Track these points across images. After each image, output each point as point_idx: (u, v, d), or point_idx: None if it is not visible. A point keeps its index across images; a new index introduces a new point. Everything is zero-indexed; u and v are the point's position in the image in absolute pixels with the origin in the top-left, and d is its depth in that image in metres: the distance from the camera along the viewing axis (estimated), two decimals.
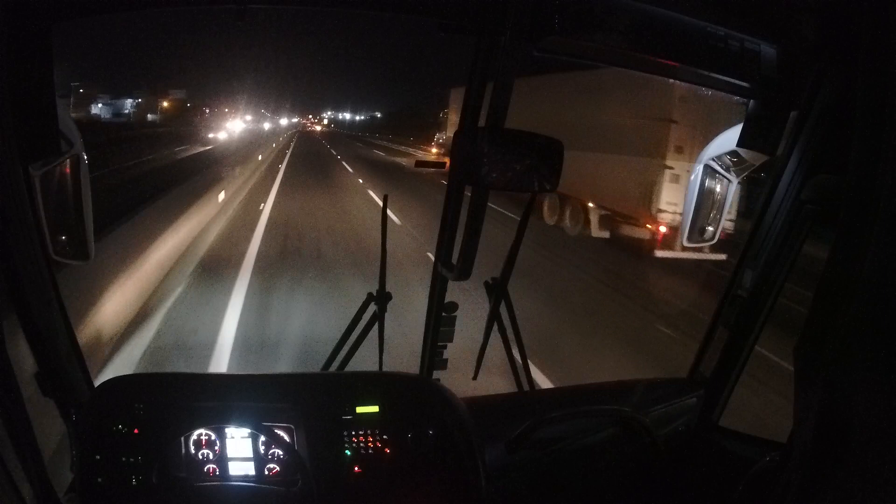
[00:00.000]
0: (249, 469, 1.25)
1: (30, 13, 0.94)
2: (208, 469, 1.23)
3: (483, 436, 1.32)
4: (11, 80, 0.93)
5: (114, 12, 1.14)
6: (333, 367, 1.64)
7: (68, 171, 1.16)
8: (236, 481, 1.22)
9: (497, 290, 1.63)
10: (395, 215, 10.44)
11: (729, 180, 1.49)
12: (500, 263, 1.54)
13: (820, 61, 1.21)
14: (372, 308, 1.63)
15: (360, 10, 1.21)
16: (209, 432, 1.24)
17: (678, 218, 8.64)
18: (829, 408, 0.51)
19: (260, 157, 21.13)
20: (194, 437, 1.23)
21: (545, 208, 12.13)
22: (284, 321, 5.32)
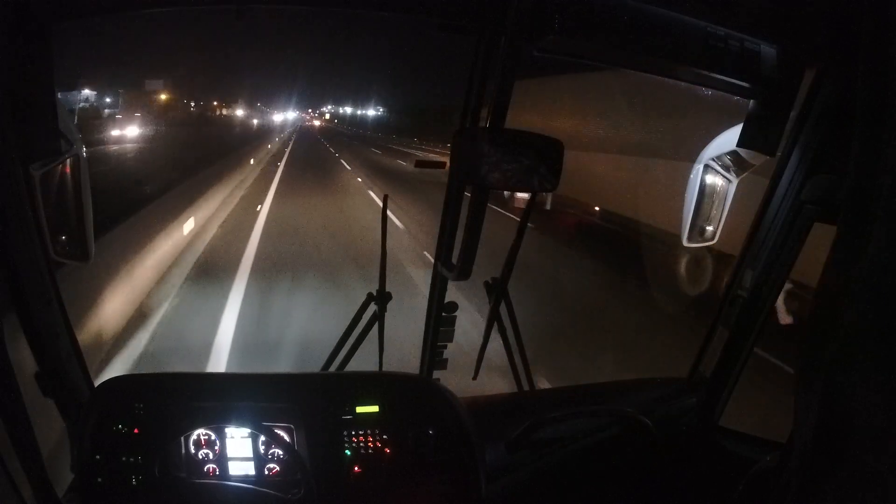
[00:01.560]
0: (249, 469, 1.25)
1: (30, 13, 0.94)
2: (208, 469, 1.23)
3: (483, 436, 1.32)
4: (11, 80, 0.93)
5: (114, 12, 1.14)
6: (333, 367, 1.64)
7: (68, 171, 1.16)
8: (236, 481, 1.22)
9: (497, 290, 1.63)
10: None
11: (729, 180, 1.49)
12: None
13: (820, 61, 1.21)
14: (372, 308, 1.63)
15: (360, 11, 1.22)
16: (209, 432, 1.24)
17: None
18: (829, 408, 0.51)
19: None
20: (194, 436, 1.23)
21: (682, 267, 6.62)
22: None
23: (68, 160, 1.15)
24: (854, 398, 0.49)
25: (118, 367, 4.25)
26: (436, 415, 1.33)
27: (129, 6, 1.16)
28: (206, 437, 1.24)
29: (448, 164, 1.34)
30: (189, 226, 7.74)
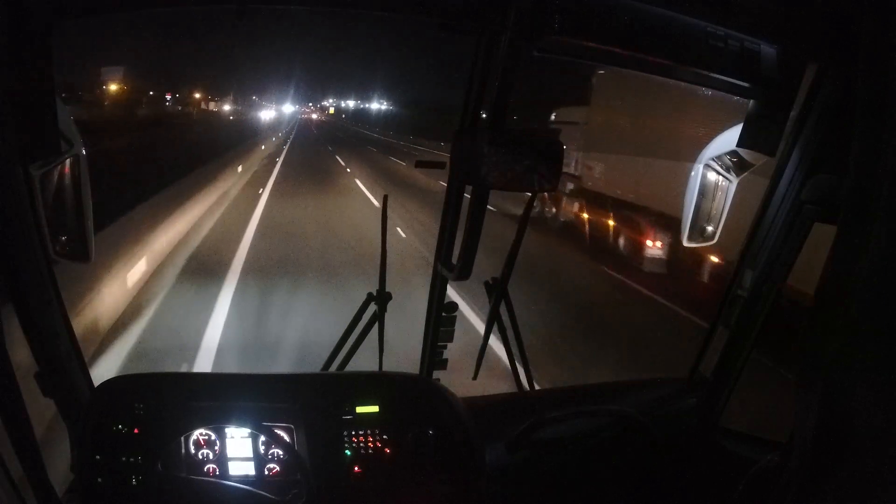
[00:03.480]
0: (249, 469, 1.25)
1: (30, 13, 0.94)
2: (208, 469, 1.23)
3: (483, 436, 1.32)
4: (11, 80, 0.93)
5: (114, 12, 1.14)
6: (333, 367, 1.64)
7: (68, 171, 1.16)
8: (236, 481, 1.22)
9: (497, 290, 1.63)
10: None
11: (729, 180, 1.49)
12: None
13: (820, 61, 1.21)
14: (372, 308, 1.63)
15: (360, 10, 1.22)
16: (209, 432, 1.24)
17: None
18: (829, 408, 0.51)
19: None
20: (194, 436, 1.23)
21: None
22: None
23: (68, 160, 1.15)
24: (854, 398, 0.49)
25: None
26: (436, 415, 1.33)
27: (130, 5, 1.16)
28: (206, 437, 1.24)
29: (448, 163, 1.35)
30: None
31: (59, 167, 1.14)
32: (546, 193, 10.36)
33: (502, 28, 1.12)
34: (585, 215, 9.85)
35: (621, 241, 8.55)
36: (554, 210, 10.74)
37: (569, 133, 10.06)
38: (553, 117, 11.14)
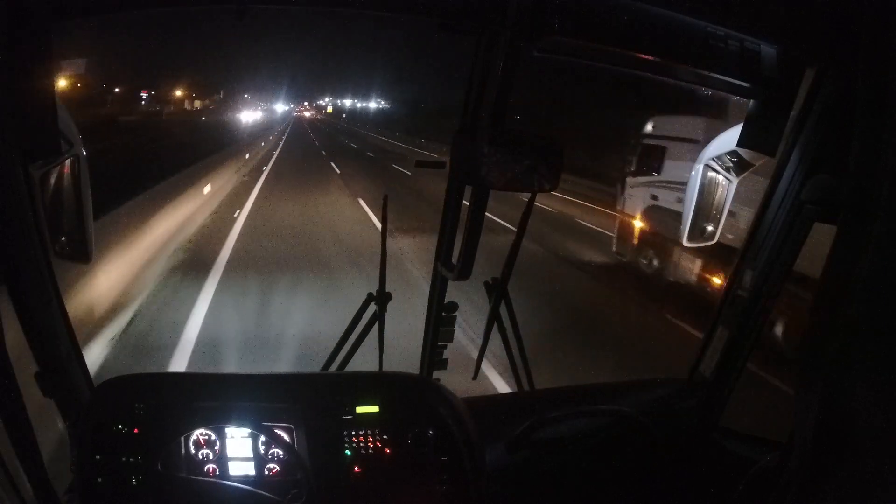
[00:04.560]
0: (249, 469, 1.25)
1: (30, 13, 0.94)
2: (208, 469, 1.23)
3: (483, 436, 1.32)
4: (11, 80, 0.93)
5: (114, 12, 1.14)
6: (333, 367, 1.64)
7: (68, 171, 1.16)
8: (236, 481, 1.22)
9: (497, 290, 1.63)
10: None
11: (729, 180, 1.49)
12: None
13: (820, 61, 1.21)
14: (372, 308, 1.63)
15: (360, 10, 1.22)
16: (209, 432, 1.24)
17: None
18: (829, 408, 0.51)
19: None
20: (194, 436, 1.23)
21: None
22: None
23: (68, 160, 1.15)
24: (854, 398, 0.49)
25: None
26: (436, 415, 1.32)
27: (130, 5, 1.16)
28: (206, 437, 1.24)
29: (448, 163, 1.35)
30: None
31: (59, 167, 1.14)
32: (641, 237, 7.66)
33: (502, 28, 1.12)
34: (718, 281, 6.23)
35: (779, 330, 4.91)
36: (657, 262, 7.45)
37: (680, 153, 7.18)
38: (650, 128, 7.85)
